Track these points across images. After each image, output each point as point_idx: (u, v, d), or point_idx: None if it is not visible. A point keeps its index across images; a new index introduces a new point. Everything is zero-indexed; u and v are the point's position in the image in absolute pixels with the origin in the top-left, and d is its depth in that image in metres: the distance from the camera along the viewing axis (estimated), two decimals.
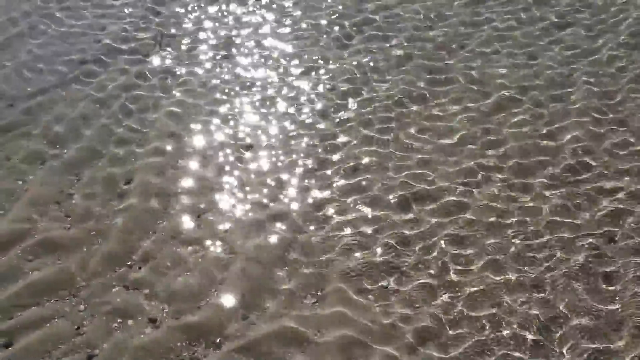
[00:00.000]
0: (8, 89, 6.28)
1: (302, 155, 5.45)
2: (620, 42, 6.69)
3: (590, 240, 4.59)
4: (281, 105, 6.02)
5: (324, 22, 7.25)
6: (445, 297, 4.27)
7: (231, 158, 5.45)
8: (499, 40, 6.83)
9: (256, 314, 4.23)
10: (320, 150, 5.50)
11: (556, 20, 7.12)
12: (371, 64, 6.52)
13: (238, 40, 6.99)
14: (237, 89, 6.26)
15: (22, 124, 5.81)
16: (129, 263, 4.55)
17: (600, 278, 4.34)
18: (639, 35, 6.79)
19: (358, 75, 6.37)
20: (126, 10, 7.57)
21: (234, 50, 6.83)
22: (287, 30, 7.14)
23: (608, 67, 6.34)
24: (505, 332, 4.05)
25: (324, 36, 7.01)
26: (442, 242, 4.63)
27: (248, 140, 5.62)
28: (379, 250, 4.60)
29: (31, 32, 7.19)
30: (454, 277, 4.38)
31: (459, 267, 4.45)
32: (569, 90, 6.07)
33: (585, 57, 6.49)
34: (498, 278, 4.36)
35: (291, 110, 5.96)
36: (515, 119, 5.75)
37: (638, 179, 5.09)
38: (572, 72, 6.28)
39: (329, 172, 5.29)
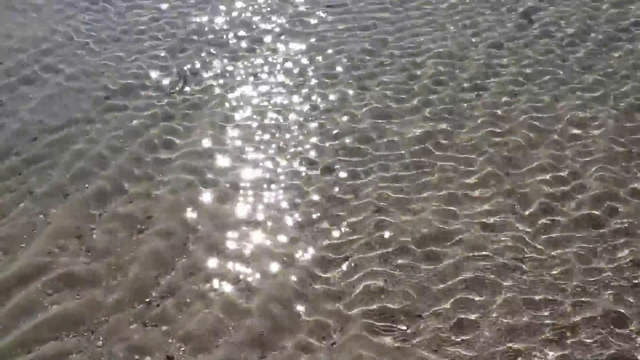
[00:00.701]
0: (32, 122, 6.40)
1: (318, 199, 5.50)
2: None
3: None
4: (298, 151, 6.09)
5: (339, 69, 7.38)
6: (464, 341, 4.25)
7: (250, 197, 5.51)
8: (520, 83, 6.93)
9: (273, 354, 4.22)
10: (338, 194, 5.54)
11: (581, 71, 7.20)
12: (390, 109, 6.61)
13: (264, 80, 7.14)
14: (258, 132, 6.36)
15: (45, 158, 5.91)
16: (147, 299, 4.57)
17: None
18: None
19: (378, 121, 6.46)
20: (150, 48, 7.75)
21: (256, 94, 6.96)
22: (299, 79, 7.28)
23: (628, 115, 6.38)
24: None
25: (340, 79, 7.13)
26: (459, 286, 4.63)
27: (267, 177, 5.69)
28: (399, 293, 4.59)
29: (55, 68, 7.36)
30: (469, 319, 4.37)
31: (476, 314, 4.44)
32: (591, 132, 6.12)
33: (605, 104, 6.54)
34: (514, 321, 4.34)
35: (307, 157, 6.04)
36: (536, 165, 5.78)
37: None
38: (595, 115, 6.34)
39: (347, 215, 5.32)
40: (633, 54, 7.38)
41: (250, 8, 8.61)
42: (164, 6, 8.67)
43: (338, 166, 5.80)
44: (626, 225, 5.09)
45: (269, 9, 8.60)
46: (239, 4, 8.70)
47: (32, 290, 4.60)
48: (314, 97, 6.80)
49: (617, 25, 7.96)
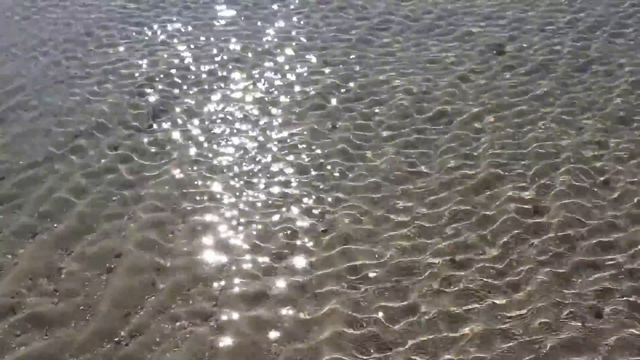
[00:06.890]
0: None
1: (294, 229, 5.60)
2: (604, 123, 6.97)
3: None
4: (270, 180, 6.22)
5: (312, 92, 7.56)
6: None
7: (222, 234, 5.60)
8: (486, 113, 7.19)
9: None
10: (312, 225, 5.68)
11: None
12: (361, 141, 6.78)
13: (231, 115, 7.27)
14: (228, 164, 6.47)
15: (13, 198, 5.93)
16: (116, 339, 4.59)
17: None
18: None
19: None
20: (120, 85, 7.87)
21: (226, 125, 7.10)
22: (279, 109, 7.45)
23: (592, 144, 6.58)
24: None
25: (310, 107, 7.31)
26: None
27: (237, 215, 5.78)
28: (370, 324, 4.70)
29: (24, 106, 7.43)
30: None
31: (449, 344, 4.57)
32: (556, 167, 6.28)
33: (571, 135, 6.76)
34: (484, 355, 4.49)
35: (282, 182, 6.16)
36: (504, 196, 5.91)
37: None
38: (559, 149, 6.52)
39: (318, 250, 5.44)
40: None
41: (224, 57, 8.82)
42: (134, 45, 8.83)
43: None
44: None
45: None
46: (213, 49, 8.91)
47: (0, 331, 4.59)
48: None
49: None
